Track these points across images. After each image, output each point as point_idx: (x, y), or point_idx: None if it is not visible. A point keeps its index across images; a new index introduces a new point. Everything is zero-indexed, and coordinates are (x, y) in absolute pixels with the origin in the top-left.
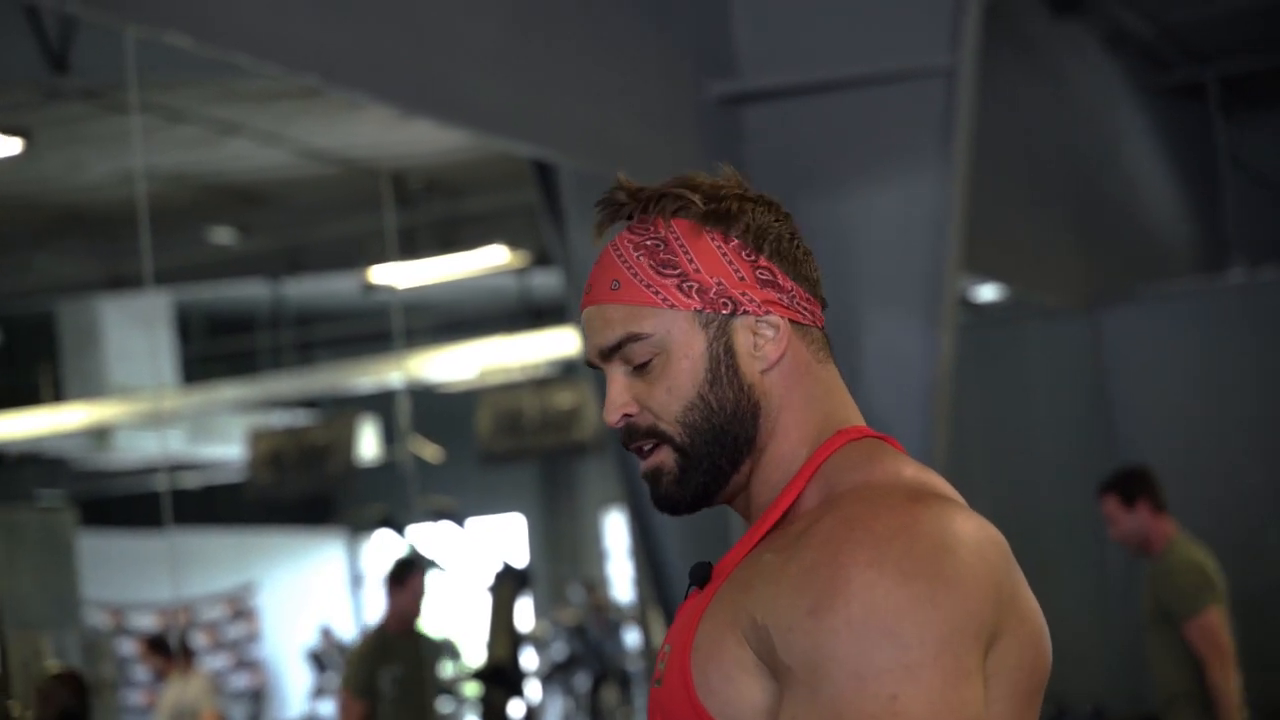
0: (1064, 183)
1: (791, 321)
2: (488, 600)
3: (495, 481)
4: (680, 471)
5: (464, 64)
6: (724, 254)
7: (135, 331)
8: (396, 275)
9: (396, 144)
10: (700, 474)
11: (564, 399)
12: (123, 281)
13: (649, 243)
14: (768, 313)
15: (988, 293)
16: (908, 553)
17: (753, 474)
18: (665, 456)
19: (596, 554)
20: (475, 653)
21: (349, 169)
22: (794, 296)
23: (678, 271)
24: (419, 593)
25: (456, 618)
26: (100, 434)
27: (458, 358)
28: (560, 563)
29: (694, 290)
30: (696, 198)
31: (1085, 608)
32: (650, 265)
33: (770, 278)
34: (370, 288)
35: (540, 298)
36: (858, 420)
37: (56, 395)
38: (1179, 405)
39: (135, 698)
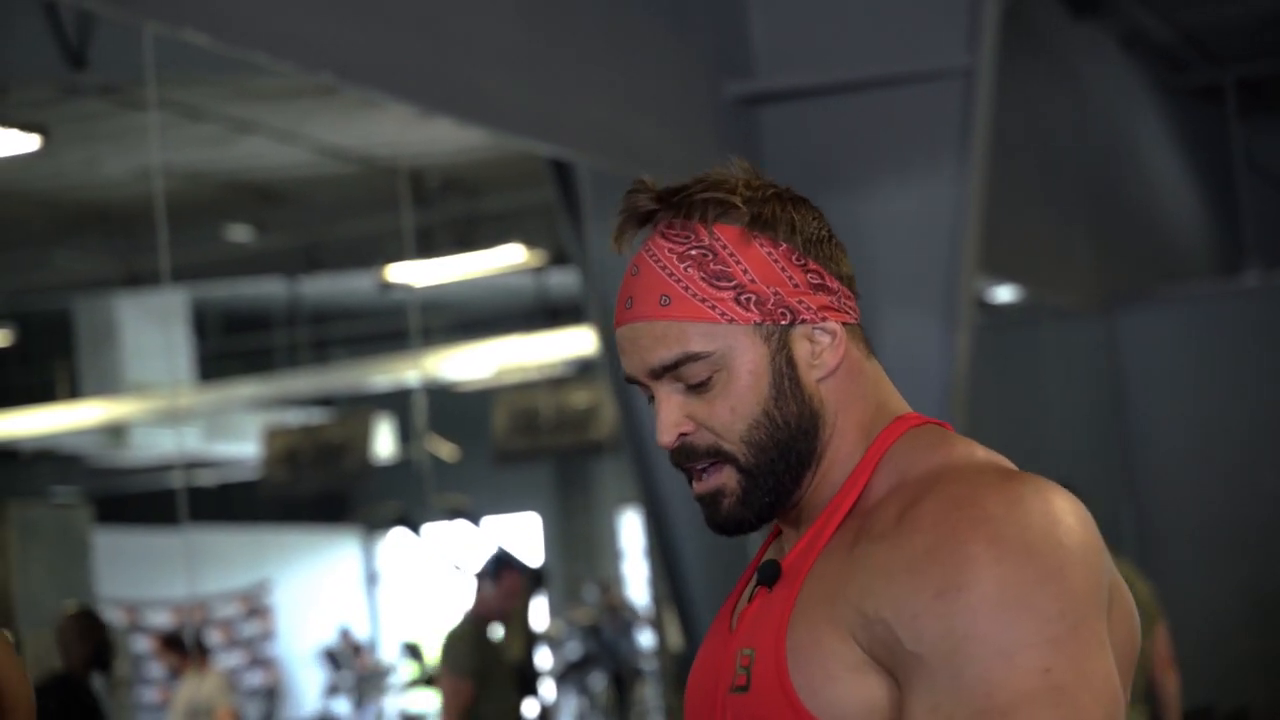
0: (1081, 184)
1: (845, 326)
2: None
3: (511, 480)
4: (744, 492)
5: (482, 63)
6: (776, 261)
7: (152, 328)
8: (413, 274)
9: (414, 142)
10: (764, 493)
11: (580, 398)
12: (139, 279)
13: (694, 252)
14: (825, 319)
15: (1004, 294)
16: (1026, 528)
17: (814, 480)
18: (727, 478)
19: (612, 553)
20: None
21: (366, 167)
22: (841, 297)
23: (733, 284)
24: (512, 591)
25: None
26: (116, 431)
27: (474, 356)
28: (575, 562)
29: (751, 302)
30: (739, 201)
31: None
32: (702, 277)
33: (820, 281)
34: (387, 286)
35: (557, 297)
36: (907, 408)
37: (73, 392)
38: (1194, 406)
39: (150, 695)
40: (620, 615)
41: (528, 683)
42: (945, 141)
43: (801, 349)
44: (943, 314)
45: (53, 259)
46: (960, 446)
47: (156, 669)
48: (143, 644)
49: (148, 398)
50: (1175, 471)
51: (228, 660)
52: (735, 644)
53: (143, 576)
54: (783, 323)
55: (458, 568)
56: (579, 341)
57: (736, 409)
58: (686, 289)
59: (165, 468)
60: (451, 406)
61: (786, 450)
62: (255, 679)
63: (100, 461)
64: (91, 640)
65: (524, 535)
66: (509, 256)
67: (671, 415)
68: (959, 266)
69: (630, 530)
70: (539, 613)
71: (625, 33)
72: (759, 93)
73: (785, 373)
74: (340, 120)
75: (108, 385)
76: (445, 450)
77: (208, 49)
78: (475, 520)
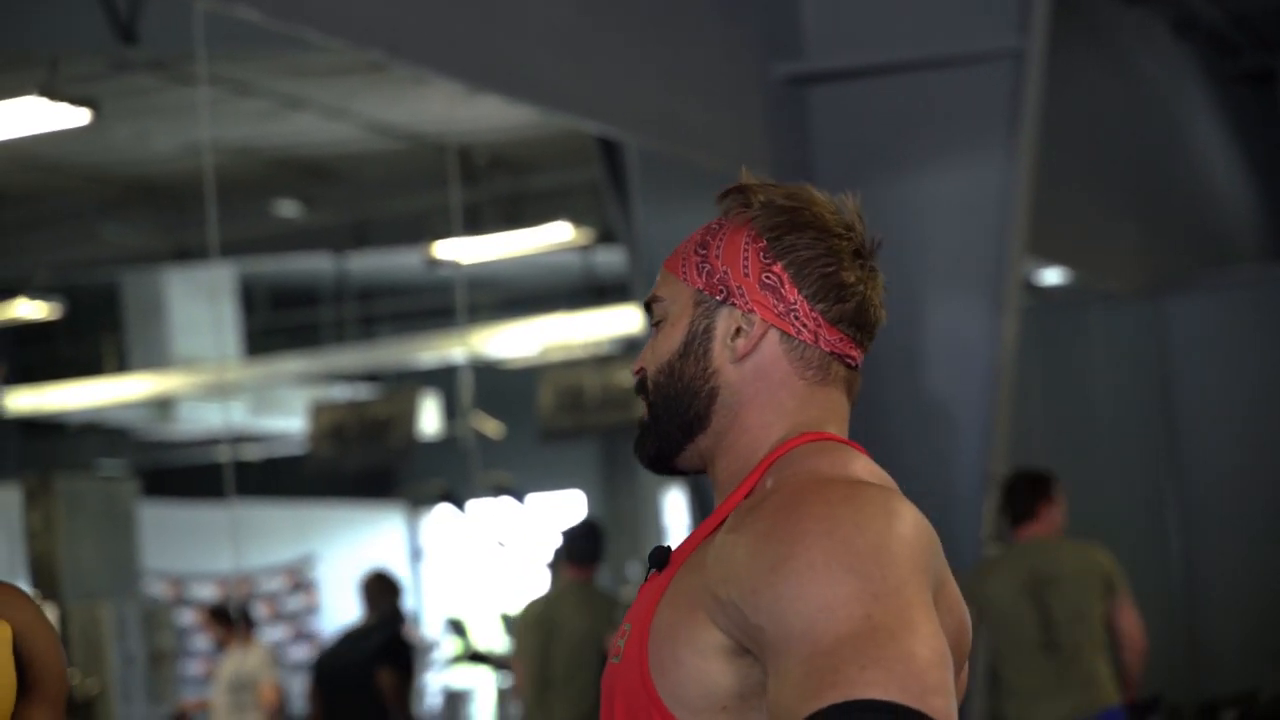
0: (1130, 168)
1: (781, 330)
2: (547, 577)
3: (555, 458)
4: (644, 429)
5: (531, 40)
6: (744, 250)
7: (199, 303)
8: (460, 251)
9: (463, 120)
10: (657, 436)
11: (625, 377)
12: (188, 253)
13: (714, 225)
14: (751, 311)
15: (1051, 277)
16: (859, 513)
17: (716, 456)
18: (643, 411)
19: (655, 532)
20: None
21: (415, 144)
22: (795, 310)
23: (704, 254)
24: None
25: (517, 592)
26: (163, 405)
27: (520, 334)
28: (620, 540)
29: (704, 272)
30: (758, 196)
31: (1146, 592)
32: (695, 243)
33: (775, 284)
34: (434, 263)
35: (604, 275)
36: (830, 434)
37: (120, 365)
38: (1240, 391)
39: (194, 667)
40: None
41: None
42: (994, 124)
43: (722, 327)
44: (990, 296)
45: (102, 233)
46: (840, 457)
47: (201, 642)
48: (187, 617)
49: (195, 372)
50: (1220, 456)
51: (272, 634)
52: (626, 618)
53: (188, 550)
54: (717, 297)
55: (501, 544)
56: (625, 320)
57: (657, 351)
58: (684, 249)
59: (211, 442)
60: (497, 384)
61: (676, 403)
62: (299, 653)
63: (147, 435)
64: (392, 594)
65: (569, 513)
66: (556, 234)
67: (644, 349)
68: (1007, 249)
69: (674, 509)
70: None
71: (675, 12)
72: (808, 73)
73: (699, 337)
74: (389, 97)
75: (155, 359)
76: (490, 427)
77: (258, 24)
78: (520, 498)
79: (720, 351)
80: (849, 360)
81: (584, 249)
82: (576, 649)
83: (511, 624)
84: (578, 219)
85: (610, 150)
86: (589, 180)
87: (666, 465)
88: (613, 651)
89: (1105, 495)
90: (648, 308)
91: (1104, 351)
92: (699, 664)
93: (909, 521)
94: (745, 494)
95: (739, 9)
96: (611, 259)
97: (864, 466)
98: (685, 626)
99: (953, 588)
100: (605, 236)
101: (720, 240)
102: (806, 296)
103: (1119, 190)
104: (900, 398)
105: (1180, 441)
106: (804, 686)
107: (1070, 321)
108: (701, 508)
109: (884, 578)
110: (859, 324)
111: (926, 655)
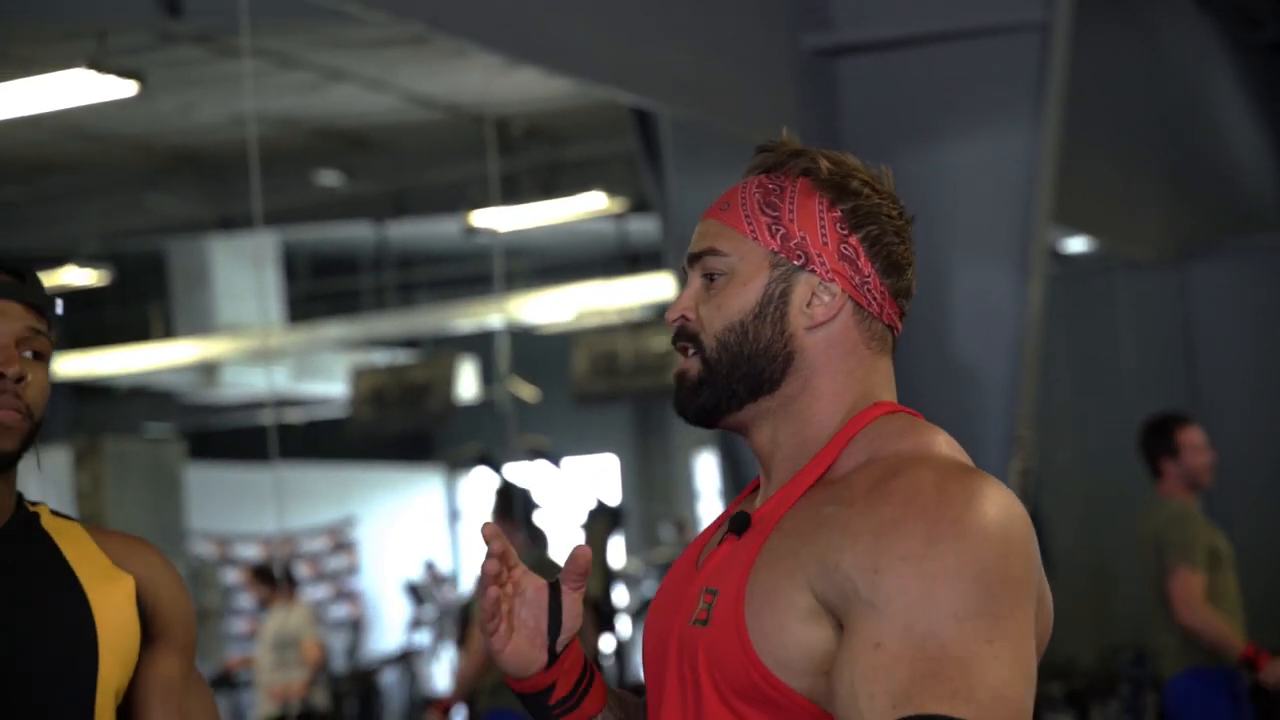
0: (1154, 137)
1: (854, 301)
2: (581, 537)
3: (590, 422)
4: (699, 382)
5: (568, 13)
6: (821, 218)
7: (243, 270)
8: (497, 219)
9: (500, 91)
10: (715, 391)
11: (658, 342)
12: (232, 222)
13: (771, 186)
14: (832, 280)
15: (1077, 244)
16: (983, 517)
17: (779, 420)
18: (693, 365)
19: (687, 494)
20: None
21: (453, 115)
22: (868, 284)
23: (775, 214)
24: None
25: (552, 554)
26: (208, 369)
27: (555, 301)
28: (652, 502)
29: (779, 235)
30: (824, 164)
31: None
32: (759, 202)
33: (852, 256)
34: (472, 231)
35: (637, 243)
36: (893, 401)
37: (167, 331)
38: (1262, 356)
39: (238, 625)
40: None
41: (605, 619)
42: (1021, 94)
43: (800, 293)
44: (1016, 264)
45: (148, 202)
46: (926, 435)
47: (245, 600)
48: (232, 576)
49: (239, 337)
50: (1242, 420)
51: (314, 593)
52: (700, 582)
53: (233, 511)
54: (795, 263)
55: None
56: (658, 287)
57: (722, 308)
58: (743, 204)
59: (255, 405)
60: (533, 349)
61: (746, 364)
62: (340, 611)
63: (192, 399)
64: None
65: (603, 475)
66: (591, 203)
67: (683, 298)
68: (1032, 217)
69: (705, 472)
70: (617, 551)
71: None
72: (837, 45)
73: (775, 302)
74: (428, 69)
75: (200, 325)
76: (526, 392)
77: None
78: (555, 460)
79: (797, 316)
80: (896, 330)
81: (618, 217)
82: None
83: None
84: (612, 188)
85: (644, 121)
86: (623, 150)
87: (715, 420)
88: (695, 616)
89: (1128, 463)
90: (696, 258)
91: (1128, 318)
92: (801, 629)
93: (1019, 519)
94: (828, 465)
95: None
96: (645, 227)
97: (946, 441)
98: (785, 592)
99: (1041, 571)
100: (639, 205)
101: (790, 204)
102: (878, 270)
103: (1143, 159)
104: (930, 361)
105: (1203, 406)
106: (914, 683)
107: (1095, 288)
108: (734, 471)
109: (1005, 594)
110: (907, 295)
111: (1026, 700)
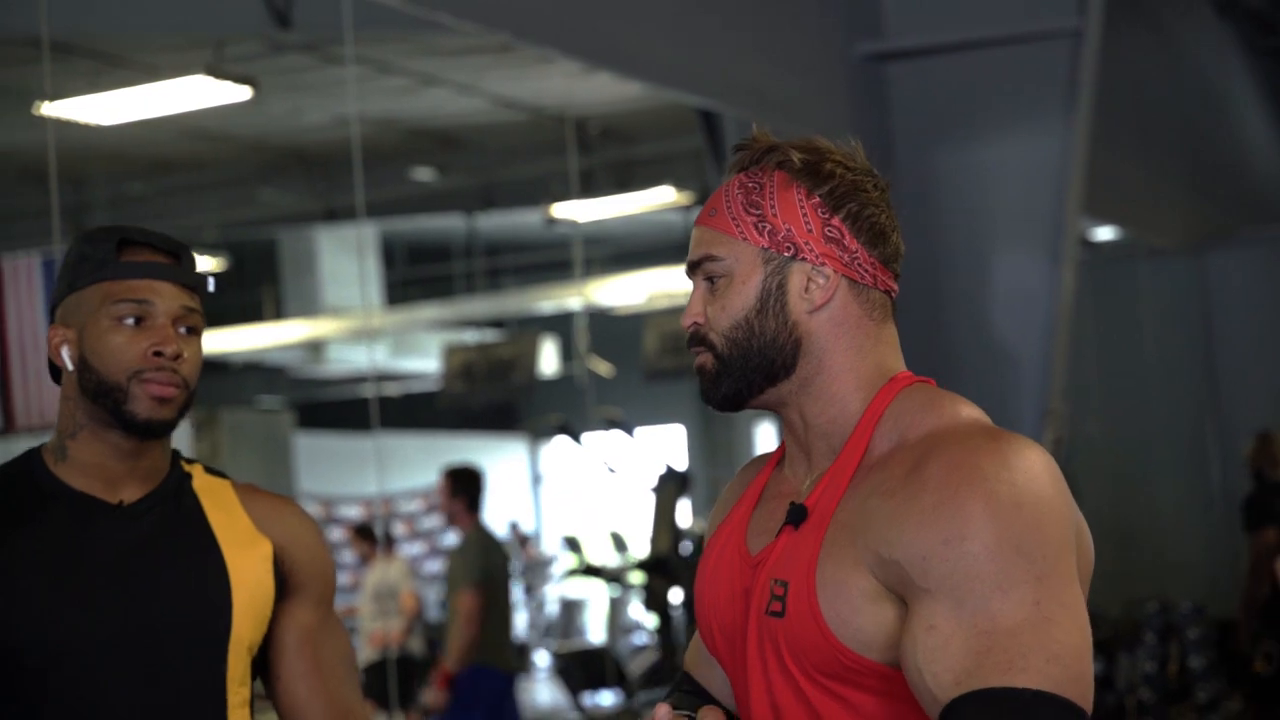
0: (1176, 135)
1: (847, 279)
2: (652, 500)
3: (659, 395)
4: (716, 375)
5: (640, 23)
6: (802, 207)
7: (346, 258)
8: (576, 211)
9: (579, 94)
10: (733, 381)
11: None
12: (336, 213)
13: (750, 184)
14: (823, 264)
15: (1105, 233)
16: (1013, 485)
17: (804, 400)
18: (707, 361)
19: (748, 460)
20: (640, 546)
21: (536, 116)
22: (857, 258)
23: (759, 213)
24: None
25: (625, 515)
26: (315, 347)
27: (628, 285)
28: (716, 468)
29: (766, 230)
30: (796, 155)
31: (1189, 514)
32: (742, 203)
33: (837, 236)
34: (553, 221)
35: None
36: (904, 368)
37: (277, 313)
38: (1276, 338)
39: (342, 578)
40: None
41: (674, 574)
42: (1054, 96)
43: (796, 281)
44: (1049, 251)
45: (261, 196)
46: (949, 406)
47: (349, 556)
48: (337, 534)
49: (342, 318)
50: (1258, 395)
51: (410, 550)
52: (766, 572)
53: (337, 475)
54: (785, 254)
55: (612, 470)
56: None
57: (726, 309)
58: (728, 208)
59: (357, 380)
60: (608, 329)
61: (758, 355)
62: (433, 566)
63: (300, 374)
64: None
65: (671, 444)
66: (661, 196)
67: (692, 305)
68: (1065, 208)
69: (765, 439)
70: (684, 512)
71: None
72: (887, 51)
73: (774, 294)
74: (514, 74)
75: (307, 307)
76: (602, 367)
77: (399, 10)
78: (628, 430)
79: (797, 304)
80: (892, 293)
81: (685, 209)
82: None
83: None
84: (680, 182)
85: (709, 121)
86: (690, 148)
87: (739, 406)
88: (769, 607)
89: (1152, 434)
90: (695, 266)
91: (1151, 300)
92: (873, 610)
93: (1048, 474)
94: (864, 449)
95: None
96: None
97: (965, 406)
98: (852, 580)
99: (1079, 517)
100: (704, 198)
101: (771, 199)
102: (863, 244)
103: (1166, 155)
104: (969, 341)
105: (1220, 383)
106: (971, 659)
107: (1121, 274)
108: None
109: (1044, 554)
110: (896, 258)
111: (1079, 643)
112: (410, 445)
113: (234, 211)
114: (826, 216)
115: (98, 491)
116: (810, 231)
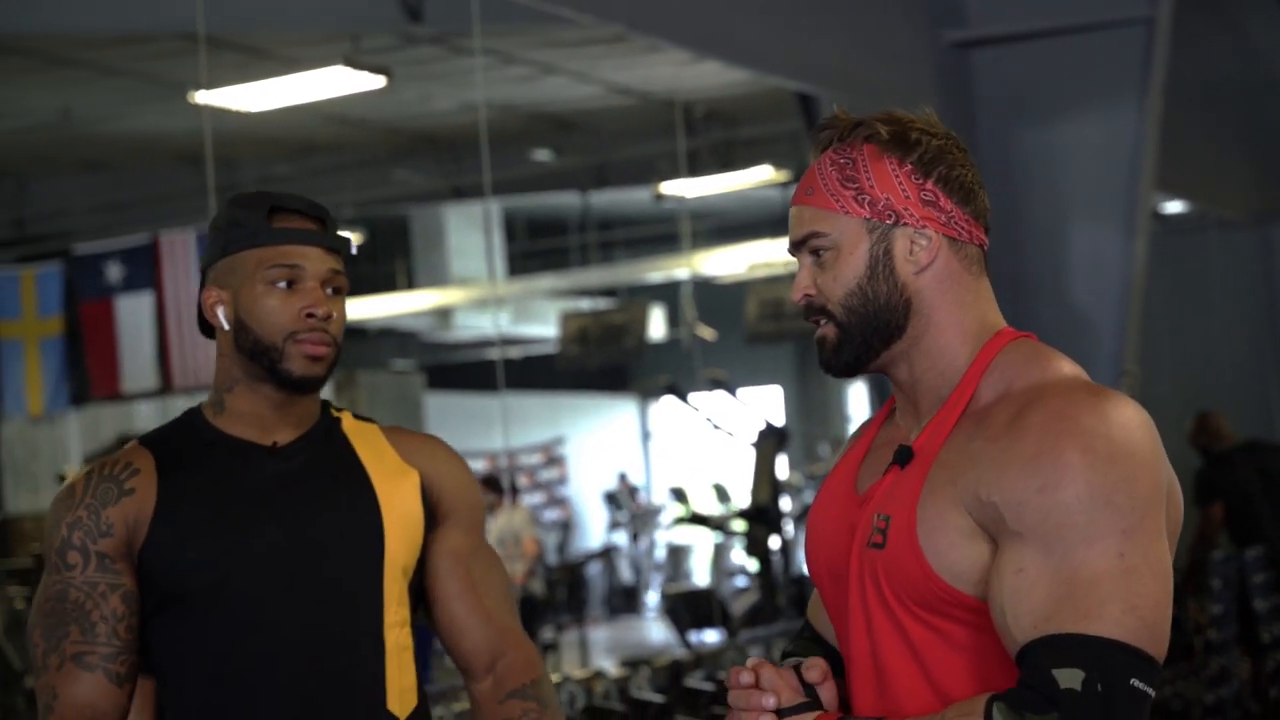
0: (1242, 115)
1: (947, 237)
2: (752, 454)
3: (759, 357)
4: (838, 343)
5: (743, 14)
6: (896, 176)
7: (472, 232)
8: (683, 188)
9: (686, 79)
10: (854, 348)
11: None
12: (463, 192)
13: (841, 160)
14: (924, 227)
15: (1174, 206)
16: (1109, 440)
17: (914, 357)
18: (828, 330)
19: (841, 418)
20: (742, 496)
21: (646, 101)
22: (953, 217)
23: (856, 186)
24: None
25: (727, 468)
26: (443, 314)
27: (731, 256)
28: (811, 425)
29: (866, 202)
30: (882, 128)
31: None
32: (837, 178)
33: (933, 199)
34: (661, 198)
35: None
36: (1004, 323)
37: (409, 283)
38: None
39: None
40: None
41: (773, 522)
42: (1128, 79)
43: (900, 246)
44: (1123, 224)
45: (394, 176)
46: (1053, 361)
47: None
48: None
49: (468, 288)
50: None
51: (531, 499)
52: (872, 508)
53: (465, 431)
54: (887, 222)
55: (716, 426)
56: None
57: (839, 279)
58: (825, 185)
59: (482, 344)
60: (712, 297)
61: (874, 319)
62: (552, 515)
63: (431, 338)
64: None
65: (770, 402)
66: (761, 174)
67: (801, 280)
68: (1138, 184)
69: (856, 398)
70: (781, 465)
71: None
72: (971, 39)
73: (881, 260)
74: (626, 62)
75: (437, 277)
76: (706, 332)
77: (522, 4)
78: (731, 390)
79: (904, 267)
80: (985, 247)
81: (783, 186)
82: None
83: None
84: (778, 162)
85: (807, 104)
86: (788, 130)
87: (857, 372)
88: (871, 540)
89: (1219, 393)
90: (800, 245)
91: (1218, 269)
92: (968, 545)
93: (1143, 431)
94: (970, 397)
95: None
96: None
97: (1068, 364)
98: (950, 518)
99: (1172, 474)
100: (801, 176)
101: (865, 172)
102: (957, 203)
103: (1233, 134)
104: (1049, 306)
105: None
106: (1051, 605)
107: (1190, 245)
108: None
109: (1133, 508)
110: (984, 213)
111: (1160, 597)
112: (531, 404)
113: (370, 190)
114: (920, 181)
115: (253, 437)
116: (907, 198)
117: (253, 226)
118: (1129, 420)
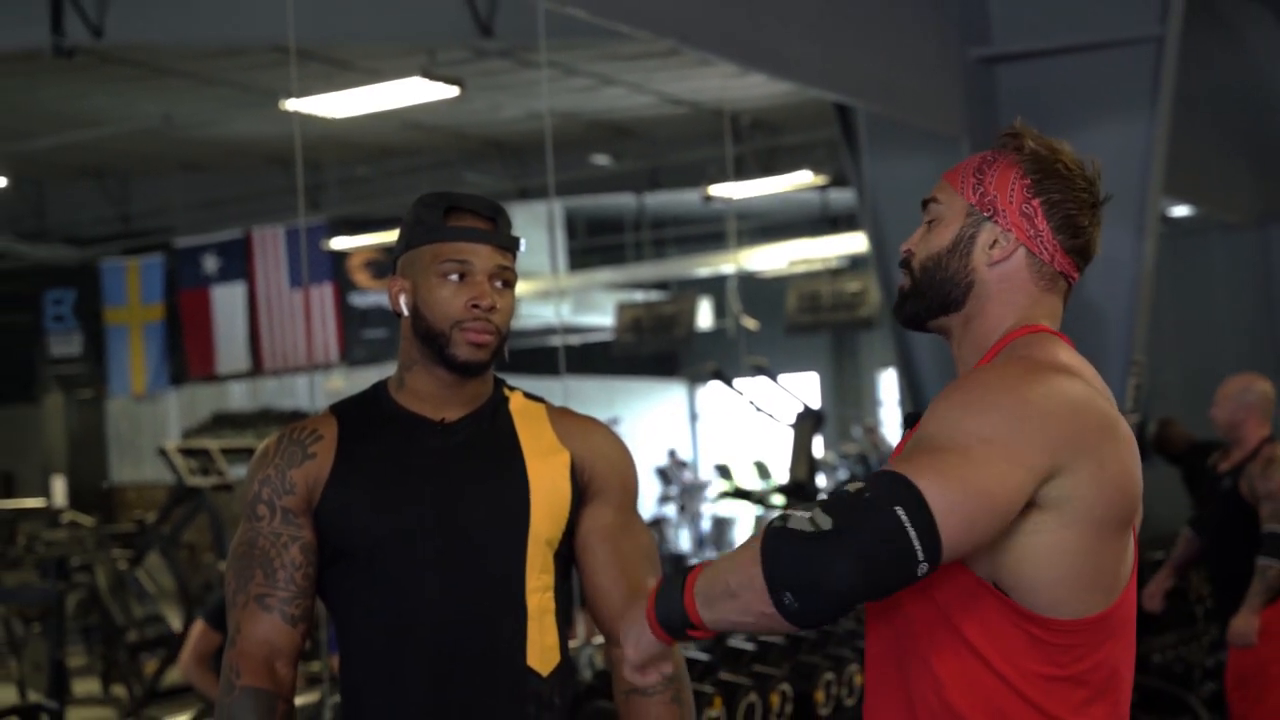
0: (1244, 123)
1: (1027, 249)
2: (791, 434)
3: (798, 347)
4: (905, 296)
5: (787, 29)
6: (1013, 185)
7: (536, 230)
8: (730, 191)
9: (733, 91)
10: (916, 303)
11: (852, 285)
12: (528, 193)
13: (989, 156)
14: (1009, 230)
15: (1181, 210)
16: (1018, 381)
17: (962, 336)
18: (906, 282)
19: (873, 403)
20: (781, 473)
21: (697, 110)
22: (1042, 236)
23: (980, 176)
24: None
25: (768, 446)
26: None
27: (773, 253)
28: (846, 408)
29: (979, 192)
30: (1029, 145)
31: None
32: (975, 166)
33: (1030, 214)
34: (710, 200)
35: (837, 209)
36: (1048, 327)
37: None
38: None
39: None
40: (879, 448)
41: (809, 497)
42: (1139, 93)
43: (985, 237)
44: (1134, 226)
45: (464, 178)
46: (1052, 348)
47: None
48: None
49: (533, 281)
50: None
51: None
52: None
53: None
54: (984, 213)
55: (758, 409)
56: (853, 243)
57: (929, 244)
58: (964, 168)
59: (546, 331)
60: (755, 290)
61: (939, 286)
62: None
63: None
64: None
65: (808, 388)
66: (801, 178)
67: (914, 237)
68: (1148, 189)
69: (888, 385)
70: (818, 445)
71: (894, 5)
72: (996, 55)
73: (964, 242)
74: (678, 75)
75: None
76: (750, 323)
77: (584, 20)
78: (772, 375)
79: (979, 255)
80: (1070, 279)
81: (822, 189)
82: None
83: None
84: (818, 167)
85: (844, 114)
86: (827, 137)
87: (919, 325)
88: None
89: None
90: (925, 204)
91: (1222, 268)
92: None
93: (1062, 397)
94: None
95: (944, 5)
96: (843, 197)
97: (1066, 353)
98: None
99: (1114, 457)
100: (838, 180)
101: (994, 170)
102: (1052, 228)
103: (1235, 141)
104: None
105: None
106: (909, 454)
107: (1195, 246)
108: (910, 384)
109: (998, 426)
110: (1083, 255)
111: (971, 499)
112: (589, 387)
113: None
114: (1029, 196)
115: (426, 412)
116: (1011, 203)
117: (431, 224)
118: (1059, 386)
